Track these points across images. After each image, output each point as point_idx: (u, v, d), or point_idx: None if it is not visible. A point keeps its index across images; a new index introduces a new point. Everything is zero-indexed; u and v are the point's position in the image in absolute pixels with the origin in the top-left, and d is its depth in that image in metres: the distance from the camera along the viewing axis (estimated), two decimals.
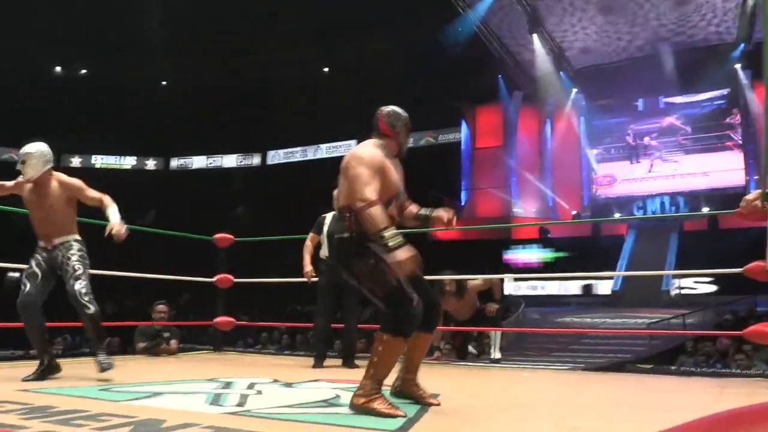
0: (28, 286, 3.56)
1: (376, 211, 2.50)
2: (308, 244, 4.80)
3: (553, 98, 19.63)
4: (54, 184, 3.72)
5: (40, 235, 3.67)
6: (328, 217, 4.73)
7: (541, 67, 18.67)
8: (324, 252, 4.67)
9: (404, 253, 2.44)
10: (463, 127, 20.29)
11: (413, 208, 2.91)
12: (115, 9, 18.77)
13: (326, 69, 22.73)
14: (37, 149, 3.74)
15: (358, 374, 4.03)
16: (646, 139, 19.21)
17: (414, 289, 2.53)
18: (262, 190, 21.60)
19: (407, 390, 2.76)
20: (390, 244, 2.45)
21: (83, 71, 22.84)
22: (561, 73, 19.14)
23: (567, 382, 4.22)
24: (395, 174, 2.74)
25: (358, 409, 2.47)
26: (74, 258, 3.60)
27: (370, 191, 2.54)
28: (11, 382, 3.29)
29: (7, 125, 20.37)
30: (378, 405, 2.44)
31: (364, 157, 2.65)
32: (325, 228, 4.67)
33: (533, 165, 19.90)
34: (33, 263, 3.61)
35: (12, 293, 3.50)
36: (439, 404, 2.72)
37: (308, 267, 4.75)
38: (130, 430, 2.08)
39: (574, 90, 19.60)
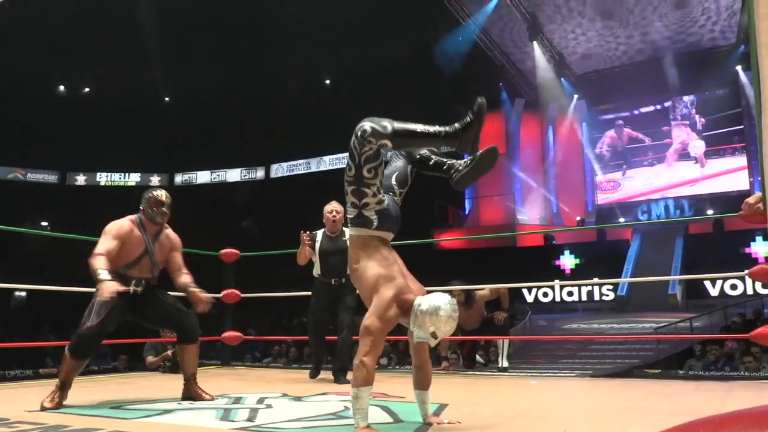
0: None
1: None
2: (302, 256, 4.76)
3: (554, 104, 19.68)
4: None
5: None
6: (319, 234, 4.80)
7: (542, 74, 18.73)
8: (316, 270, 4.74)
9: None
10: None
11: (184, 279, 3.56)
12: (116, 26, 18.92)
13: (327, 81, 22.85)
14: None
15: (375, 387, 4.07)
16: (649, 143, 19.23)
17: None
18: (267, 204, 21.65)
19: (189, 392, 3.45)
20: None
21: (86, 89, 23.00)
22: (562, 79, 19.20)
23: (575, 388, 4.23)
24: (133, 245, 3.46)
25: None
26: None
27: (101, 248, 3.31)
28: (22, 402, 3.32)
29: (11, 144, 20.52)
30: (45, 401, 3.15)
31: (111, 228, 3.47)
32: (317, 246, 4.73)
33: (536, 172, 19.92)
34: None
35: (19, 312, 3.54)
36: (213, 398, 3.39)
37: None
38: None
39: (576, 96, 19.65)
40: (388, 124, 2.58)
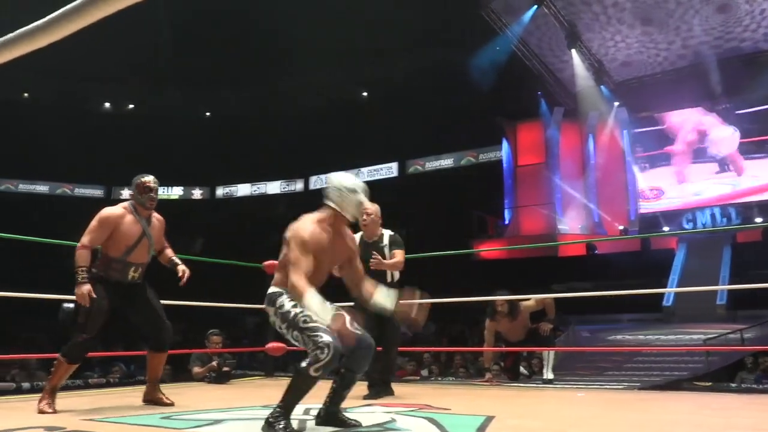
0: None
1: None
2: None
3: (594, 112, 19.43)
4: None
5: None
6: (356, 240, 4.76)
7: (581, 82, 18.52)
8: None
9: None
10: (505, 145, 20.22)
11: (168, 253, 3.86)
12: (157, 44, 19.43)
13: (365, 93, 23.03)
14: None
15: (407, 397, 4.07)
16: (693, 150, 18.82)
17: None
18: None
19: (150, 396, 3.75)
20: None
21: (131, 106, 23.65)
22: (602, 86, 18.95)
23: (623, 401, 4.16)
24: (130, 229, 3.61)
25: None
26: None
27: (86, 240, 3.49)
28: (74, 412, 3.41)
29: (59, 162, 21.19)
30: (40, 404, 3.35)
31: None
32: None
33: (577, 181, 19.66)
34: None
35: (67, 324, 3.67)
36: (173, 403, 3.66)
37: None
38: None
39: (616, 103, 19.35)
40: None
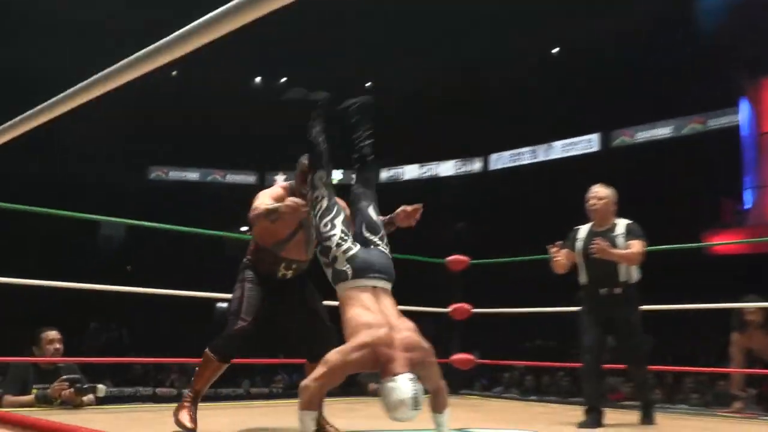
0: None
1: None
2: (560, 262, 4.46)
3: None
4: None
5: None
6: (583, 230, 4.52)
7: None
8: (582, 277, 4.44)
9: None
10: (744, 107, 18.76)
11: None
12: (315, 17, 20.26)
13: (555, 50, 22.42)
14: None
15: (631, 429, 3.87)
16: None
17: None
18: (484, 201, 21.80)
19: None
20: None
21: (283, 79, 24.92)
22: None
23: None
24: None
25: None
26: None
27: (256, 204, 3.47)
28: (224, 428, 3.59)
29: (208, 145, 22.88)
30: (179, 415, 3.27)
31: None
32: (579, 245, 4.46)
33: None
34: None
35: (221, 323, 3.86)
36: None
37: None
38: None
39: None
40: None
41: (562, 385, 9.44)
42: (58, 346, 4.62)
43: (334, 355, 2.71)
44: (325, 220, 3.08)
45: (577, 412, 4.89)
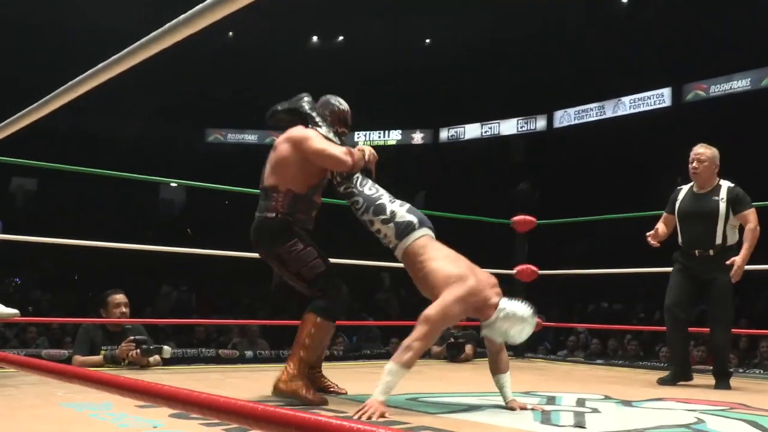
0: None
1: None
2: (660, 229, 4.43)
3: None
4: None
5: None
6: (683, 190, 4.49)
7: None
8: (680, 239, 4.42)
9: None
10: None
11: None
12: None
13: (625, 0, 21.75)
14: None
15: (727, 396, 3.82)
16: None
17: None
18: (549, 160, 21.50)
19: (316, 383, 3.38)
20: None
21: (340, 38, 24.82)
22: None
23: None
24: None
25: (281, 393, 3.02)
26: None
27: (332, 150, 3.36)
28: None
29: (262, 106, 23.01)
30: (303, 390, 3.04)
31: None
32: (676, 205, 4.43)
33: None
34: None
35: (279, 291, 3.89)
36: (345, 392, 3.44)
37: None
38: None
39: None
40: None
41: (629, 349, 9.32)
42: (124, 309, 4.76)
43: (434, 314, 2.80)
44: (368, 184, 3.30)
45: (646, 376, 4.88)
